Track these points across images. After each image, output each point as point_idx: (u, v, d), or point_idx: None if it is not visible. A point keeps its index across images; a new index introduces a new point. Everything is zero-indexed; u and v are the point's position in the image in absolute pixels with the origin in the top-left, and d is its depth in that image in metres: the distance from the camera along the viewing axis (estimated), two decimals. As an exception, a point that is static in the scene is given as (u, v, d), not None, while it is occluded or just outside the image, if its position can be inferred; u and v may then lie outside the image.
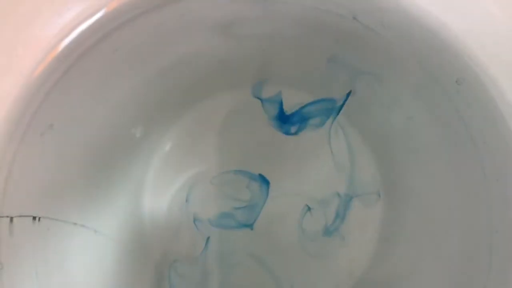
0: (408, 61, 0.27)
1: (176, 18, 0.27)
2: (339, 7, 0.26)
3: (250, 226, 0.37)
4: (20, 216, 0.25)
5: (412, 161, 0.34)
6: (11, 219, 0.24)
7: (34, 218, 0.26)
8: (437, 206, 0.31)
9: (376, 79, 0.31)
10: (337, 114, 0.36)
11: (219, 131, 0.37)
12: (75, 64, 0.24)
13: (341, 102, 0.35)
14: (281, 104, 0.36)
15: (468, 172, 0.28)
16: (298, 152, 0.37)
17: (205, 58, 0.32)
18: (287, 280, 0.37)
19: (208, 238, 0.37)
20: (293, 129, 0.37)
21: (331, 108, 0.36)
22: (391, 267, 0.35)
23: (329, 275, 0.37)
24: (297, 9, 0.27)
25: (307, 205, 0.37)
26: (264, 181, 0.37)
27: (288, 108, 0.37)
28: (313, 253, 0.37)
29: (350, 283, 0.36)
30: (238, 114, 0.37)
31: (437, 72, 0.26)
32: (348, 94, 0.34)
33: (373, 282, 0.36)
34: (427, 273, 0.31)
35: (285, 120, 0.37)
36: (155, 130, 0.36)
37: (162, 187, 0.37)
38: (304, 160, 0.37)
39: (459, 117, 0.26)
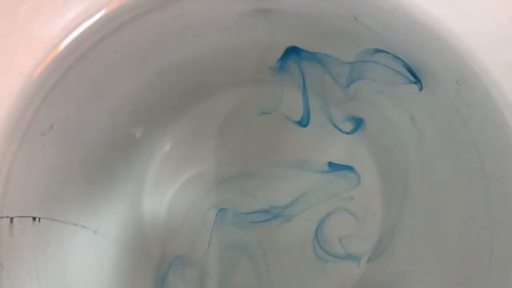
0: (409, 61, 0.27)
1: (176, 18, 0.27)
2: (339, 8, 0.26)
3: (289, 217, 0.36)
4: (20, 216, 0.25)
5: (412, 161, 0.34)
6: (11, 219, 0.24)
7: (34, 218, 0.26)
8: (437, 206, 0.31)
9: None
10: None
11: (219, 131, 0.37)
12: (75, 64, 0.24)
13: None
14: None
15: (468, 172, 0.28)
16: (299, 152, 0.37)
17: (205, 58, 0.32)
18: (287, 280, 0.37)
19: (211, 236, 0.37)
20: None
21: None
22: (391, 267, 0.35)
23: (329, 275, 0.37)
24: (297, 10, 0.27)
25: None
26: (347, 168, 0.35)
27: (295, 112, 0.36)
28: (314, 256, 0.37)
29: (350, 283, 0.36)
30: (238, 115, 0.37)
31: (438, 72, 0.26)
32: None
33: (373, 282, 0.36)
34: (427, 273, 0.31)
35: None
36: (155, 130, 0.36)
37: (162, 187, 0.37)
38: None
39: (460, 117, 0.26)
